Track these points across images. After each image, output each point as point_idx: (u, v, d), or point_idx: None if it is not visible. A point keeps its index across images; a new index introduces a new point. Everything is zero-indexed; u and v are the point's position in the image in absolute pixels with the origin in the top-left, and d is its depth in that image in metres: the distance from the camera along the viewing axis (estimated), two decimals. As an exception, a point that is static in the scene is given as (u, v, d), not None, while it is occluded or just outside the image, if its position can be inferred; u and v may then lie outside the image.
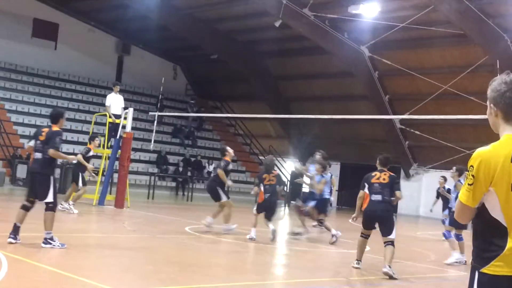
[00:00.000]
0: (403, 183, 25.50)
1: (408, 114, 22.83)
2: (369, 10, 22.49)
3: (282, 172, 33.55)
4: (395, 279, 8.97)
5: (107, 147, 18.79)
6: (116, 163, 18.48)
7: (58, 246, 8.96)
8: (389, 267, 9.10)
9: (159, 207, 20.49)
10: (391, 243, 9.36)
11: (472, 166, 2.93)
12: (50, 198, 8.97)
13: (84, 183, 15.11)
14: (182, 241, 11.87)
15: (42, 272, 7.34)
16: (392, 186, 9.59)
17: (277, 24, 23.64)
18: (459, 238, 11.75)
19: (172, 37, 31.48)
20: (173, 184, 28.92)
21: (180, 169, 29.22)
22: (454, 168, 12.33)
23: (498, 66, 20.76)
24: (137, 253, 9.79)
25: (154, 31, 29.74)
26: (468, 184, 2.93)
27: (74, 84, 30.98)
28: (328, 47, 26.22)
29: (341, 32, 25.51)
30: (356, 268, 9.72)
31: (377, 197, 9.44)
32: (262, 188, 12.75)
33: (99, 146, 17.29)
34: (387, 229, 9.46)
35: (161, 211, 18.85)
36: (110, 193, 18.78)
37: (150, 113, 25.41)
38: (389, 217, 9.55)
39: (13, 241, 8.93)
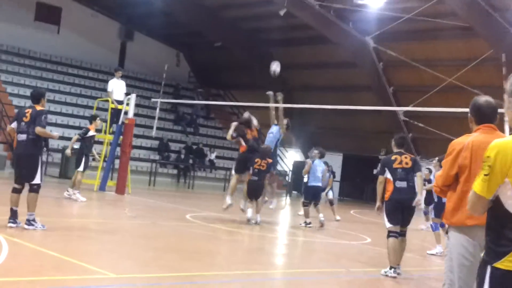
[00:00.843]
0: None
1: (412, 106, 22.72)
2: (375, 0, 22.36)
3: (284, 162, 33.54)
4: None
5: (109, 133, 18.72)
6: (118, 149, 18.42)
7: (40, 227, 9.00)
8: (399, 266, 8.63)
9: (160, 194, 20.46)
10: (405, 234, 8.77)
11: (489, 156, 2.90)
12: (37, 179, 8.97)
13: (85, 168, 14.79)
14: (182, 228, 11.84)
15: (43, 256, 7.30)
16: (413, 169, 8.72)
17: (281, 12, 23.47)
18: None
19: (176, 24, 31.34)
20: (175, 171, 28.90)
21: (182, 156, 29.18)
22: (437, 158, 12.19)
23: (503, 60, 20.62)
24: (138, 240, 9.75)
25: (158, 17, 29.61)
26: (484, 175, 2.90)
27: (76, 69, 30.90)
28: (333, 37, 26.07)
29: (346, 22, 25.36)
30: (393, 277, 8.42)
31: (403, 184, 8.57)
32: (251, 170, 13.31)
33: (101, 127, 17.09)
34: (408, 219, 8.71)
35: (162, 198, 18.81)
36: (111, 179, 18.76)
37: (153, 99, 25.31)
38: (414, 206, 8.71)
39: (13, 225, 8.94)
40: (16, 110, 25.78)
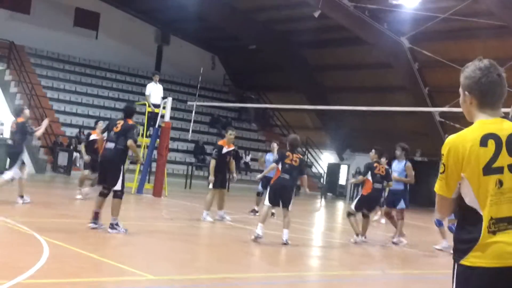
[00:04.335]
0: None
1: (448, 107, 22.47)
2: (410, 0, 22.19)
3: (319, 164, 33.50)
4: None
5: (146, 136, 19.00)
6: (155, 152, 18.68)
7: (123, 231, 9.46)
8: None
9: (196, 196, 20.61)
10: (369, 216, 12.07)
11: (442, 154, 2.83)
12: (119, 186, 9.50)
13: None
14: (219, 230, 11.96)
15: (82, 258, 7.46)
16: (386, 177, 11.66)
17: (316, 14, 23.46)
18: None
19: (211, 27, 31.59)
20: (210, 174, 29.04)
21: (217, 159, 29.32)
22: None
23: (541, 59, 20.25)
24: (175, 242, 9.90)
25: (193, 21, 29.91)
26: (440, 173, 2.82)
27: (114, 73, 31.39)
28: (368, 38, 25.95)
29: (381, 23, 25.20)
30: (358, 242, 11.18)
31: (379, 186, 11.48)
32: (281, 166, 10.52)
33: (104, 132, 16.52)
34: (374, 210, 12.75)
35: (198, 201, 18.91)
36: (149, 182, 19.00)
37: (189, 102, 25.57)
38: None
39: (94, 226, 9.52)
40: (56, 115, 26.48)
